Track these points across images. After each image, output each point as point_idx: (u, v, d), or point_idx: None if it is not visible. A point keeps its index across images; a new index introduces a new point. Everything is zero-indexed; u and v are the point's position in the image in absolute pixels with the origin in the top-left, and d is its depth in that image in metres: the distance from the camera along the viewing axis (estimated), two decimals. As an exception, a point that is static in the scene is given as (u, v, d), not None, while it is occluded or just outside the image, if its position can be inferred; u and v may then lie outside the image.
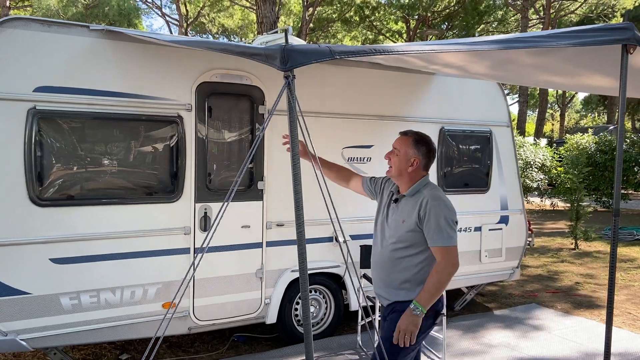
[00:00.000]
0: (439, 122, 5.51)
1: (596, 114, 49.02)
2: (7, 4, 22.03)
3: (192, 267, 4.20)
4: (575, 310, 6.24)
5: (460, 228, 5.64)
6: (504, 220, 5.95)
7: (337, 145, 5.00)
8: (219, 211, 2.33)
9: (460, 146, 5.70)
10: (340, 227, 2.38)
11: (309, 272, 4.85)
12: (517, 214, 6.04)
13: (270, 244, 4.69)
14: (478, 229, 5.77)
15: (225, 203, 2.25)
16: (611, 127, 22.93)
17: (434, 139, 5.44)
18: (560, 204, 16.47)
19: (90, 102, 3.89)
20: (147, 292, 4.13)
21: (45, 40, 3.78)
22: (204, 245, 2.88)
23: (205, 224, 4.36)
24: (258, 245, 4.62)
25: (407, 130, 2.90)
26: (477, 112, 5.77)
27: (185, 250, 4.28)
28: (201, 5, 26.92)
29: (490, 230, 5.83)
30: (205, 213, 4.36)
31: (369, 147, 5.16)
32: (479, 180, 5.83)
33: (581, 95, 47.16)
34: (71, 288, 3.86)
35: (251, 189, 4.59)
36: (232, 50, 2.69)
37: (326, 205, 2.23)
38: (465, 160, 5.76)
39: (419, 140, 2.81)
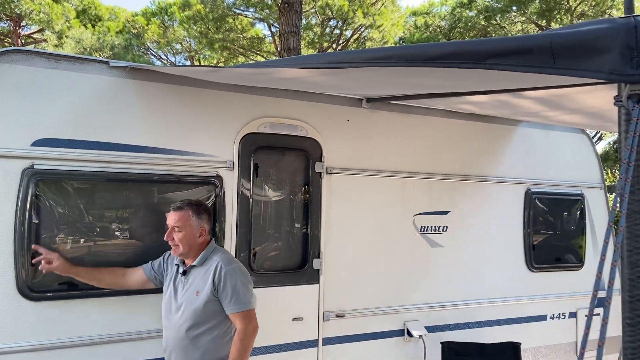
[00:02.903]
0: (525, 183, 4.52)
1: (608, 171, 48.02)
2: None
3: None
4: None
5: (553, 314, 4.56)
6: (602, 303, 4.84)
7: (407, 212, 4.00)
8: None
9: (550, 212, 4.68)
10: None
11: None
12: (615, 294, 4.93)
13: (327, 341, 3.62)
14: (573, 314, 4.67)
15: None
16: None
17: (519, 202, 4.47)
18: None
19: (105, 159, 2.96)
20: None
21: (52, 79, 2.88)
22: None
23: (248, 317, 3.32)
24: (313, 343, 3.56)
25: (179, 203, 2.80)
26: (567, 171, 4.78)
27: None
28: (215, 62, 26.75)
29: (587, 316, 4.72)
30: (249, 303, 3.34)
31: (444, 213, 4.17)
32: (572, 254, 4.76)
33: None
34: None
35: (305, 269, 3.57)
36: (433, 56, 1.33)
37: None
38: (555, 230, 4.71)
39: (198, 208, 2.79)
